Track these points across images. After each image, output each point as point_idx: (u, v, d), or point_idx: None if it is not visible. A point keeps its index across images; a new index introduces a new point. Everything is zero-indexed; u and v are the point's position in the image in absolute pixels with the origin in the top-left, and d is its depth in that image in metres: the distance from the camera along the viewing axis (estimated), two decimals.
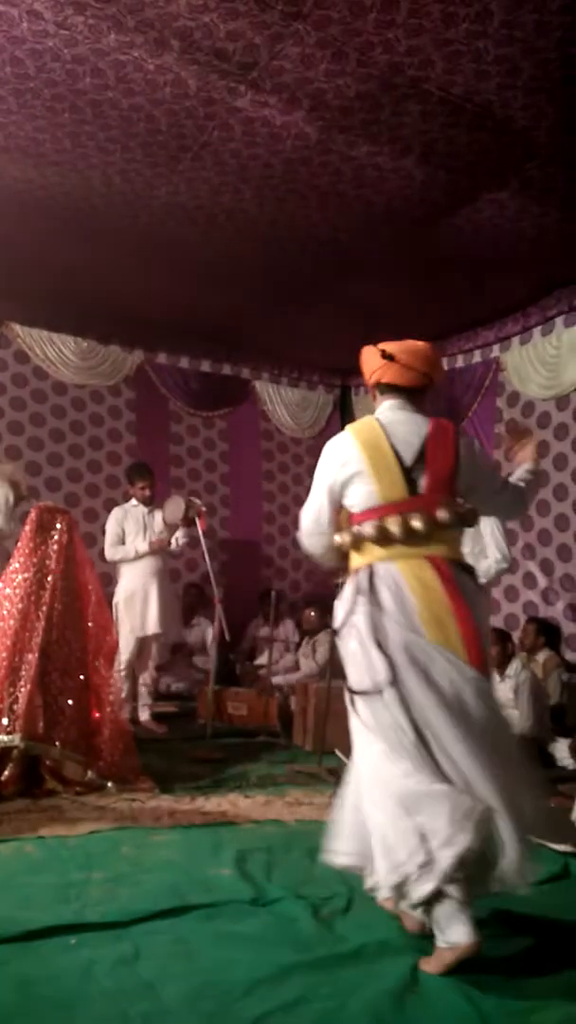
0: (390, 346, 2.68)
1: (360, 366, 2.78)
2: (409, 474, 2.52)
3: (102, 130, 4.22)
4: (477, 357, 6.94)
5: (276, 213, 5.02)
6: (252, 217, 5.08)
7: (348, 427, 2.68)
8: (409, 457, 2.53)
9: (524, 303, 6.29)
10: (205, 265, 5.81)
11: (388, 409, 2.67)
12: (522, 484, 2.77)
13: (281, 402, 8.02)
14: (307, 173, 4.53)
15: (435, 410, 8.43)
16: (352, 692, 2.47)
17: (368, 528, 2.50)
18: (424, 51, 3.49)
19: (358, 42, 3.45)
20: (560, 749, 4.98)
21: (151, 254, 5.67)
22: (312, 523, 2.69)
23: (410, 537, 2.47)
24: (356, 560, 2.57)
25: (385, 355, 2.65)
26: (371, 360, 2.72)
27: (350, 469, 2.56)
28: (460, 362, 7.10)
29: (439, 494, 2.51)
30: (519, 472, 2.82)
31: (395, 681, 2.33)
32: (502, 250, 5.36)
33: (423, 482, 2.51)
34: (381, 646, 2.37)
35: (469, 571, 2.60)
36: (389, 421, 2.62)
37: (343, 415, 8.19)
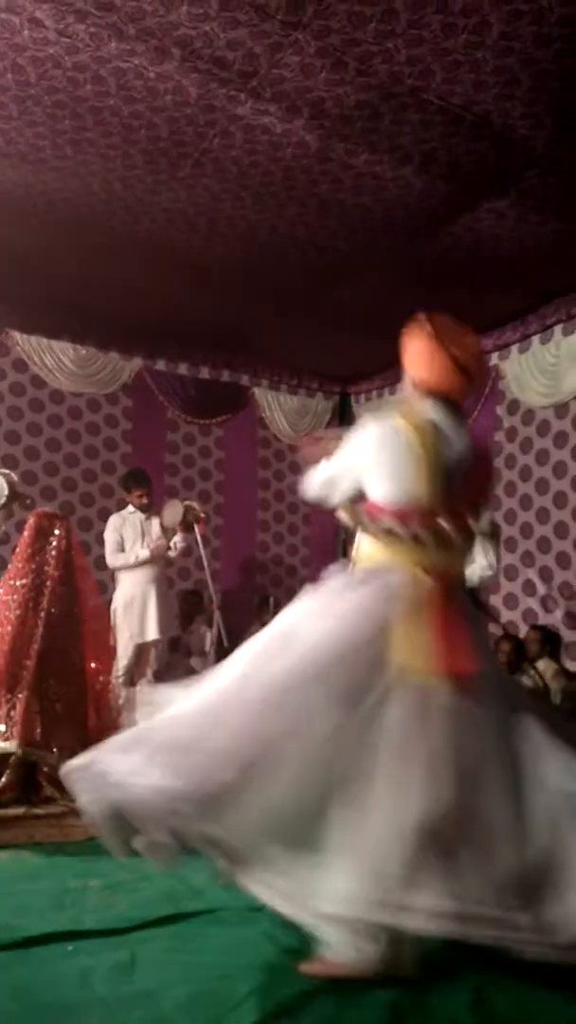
0: (464, 355, 2.42)
1: (404, 346, 2.50)
2: (450, 483, 2.39)
3: (103, 137, 4.24)
4: None
5: (276, 220, 5.04)
6: (252, 224, 5.10)
7: (401, 417, 2.43)
8: (455, 467, 2.41)
9: (523, 311, 6.31)
10: (205, 271, 5.82)
11: (436, 412, 2.44)
12: None
13: (280, 409, 8.02)
14: (307, 181, 4.55)
15: None
16: None
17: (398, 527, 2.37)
18: (423, 61, 3.51)
19: (358, 52, 3.47)
20: None
21: (151, 261, 5.69)
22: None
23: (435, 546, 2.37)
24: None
25: (460, 367, 2.41)
26: (442, 365, 2.42)
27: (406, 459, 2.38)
28: None
29: (470, 506, 2.45)
30: None
31: None
32: (501, 259, 5.38)
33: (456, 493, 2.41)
34: None
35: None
36: (443, 426, 2.42)
37: (342, 422, 8.19)
